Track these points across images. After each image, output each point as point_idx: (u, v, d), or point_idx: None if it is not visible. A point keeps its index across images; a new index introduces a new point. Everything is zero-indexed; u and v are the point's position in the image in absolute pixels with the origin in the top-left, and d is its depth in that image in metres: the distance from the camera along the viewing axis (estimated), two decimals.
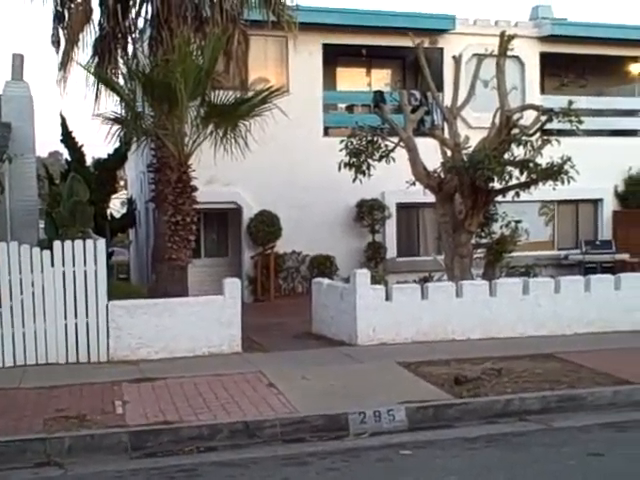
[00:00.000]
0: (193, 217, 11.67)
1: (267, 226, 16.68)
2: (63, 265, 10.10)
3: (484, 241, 13.91)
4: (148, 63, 12.60)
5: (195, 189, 11.76)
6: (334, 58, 18.34)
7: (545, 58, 19.23)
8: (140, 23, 13.91)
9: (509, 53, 13.68)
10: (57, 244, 10.18)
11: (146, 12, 13.58)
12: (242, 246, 17.16)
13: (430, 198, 13.84)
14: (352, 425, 7.49)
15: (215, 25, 12.75)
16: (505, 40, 13.27)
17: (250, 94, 12.49)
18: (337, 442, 7.23)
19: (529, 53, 18.90)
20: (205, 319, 10.55)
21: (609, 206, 19.76)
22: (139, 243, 20.17)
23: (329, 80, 18.45)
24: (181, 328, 10.43)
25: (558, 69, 20.22)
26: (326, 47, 17.46)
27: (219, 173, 15.64)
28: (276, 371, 9.34)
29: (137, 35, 14.03)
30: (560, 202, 19.17)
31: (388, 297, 11.32)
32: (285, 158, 16.86)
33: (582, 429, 7.53)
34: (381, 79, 19.55)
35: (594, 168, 17.19)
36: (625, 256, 18.04)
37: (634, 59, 20.27)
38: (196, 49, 12.10)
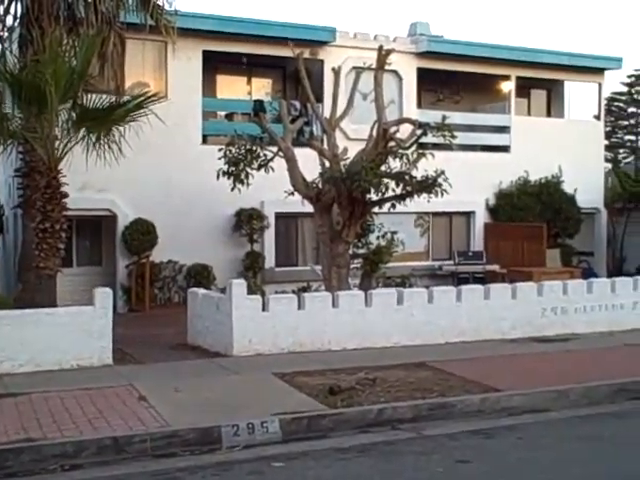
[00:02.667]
0: (63, 224, 11.22)
1: (142, 234, 16.24)
2: None
3: (361, 251, 14.14)
4: (17, 63, 12.09)
5: (66, 195, 11.30)
6: (214, 65, 18.16)
7: (422, 73, 19.73)
8: (9, 21, 13.36)
9: (387, 67, 13.96)
10: None
11: (15, 9, 13.06)
12: (116, 255, 16.65)
13: (309, 208, 13.90)
14: (225, 438, 7.37)
15: (89, 26, 12.39)
16: (383, 54, 13.54)
17: (126, 98, 12.16)
18: (209, 456, 7.10)
19: (407, 68, 19.34)
20: (74, 330, 10.15)
21: (481, 219, 20.47)
22: (6, 251, 19.20)
23: (209, 87, 18.23)
24: (48, 340, 9.98)
25: (434, 85, 20.82)
26: (206, 54, 17.26)
27: (92, 179, 15.14)
28: (148, 384, 9.08)
29: (6, 33, 13.44)
30: (435, 214, 19.70)
31: (265, 307, 11.25)
32: (162, 165, 16.53)
33: (451, 436, 7.69)
34: (262, 88, 19.51)
35: (467, 182, 17.84)
36: (495, 267, 18.72)
37: (505, 77, 21.11)
38: (69, 50, 11.71)
